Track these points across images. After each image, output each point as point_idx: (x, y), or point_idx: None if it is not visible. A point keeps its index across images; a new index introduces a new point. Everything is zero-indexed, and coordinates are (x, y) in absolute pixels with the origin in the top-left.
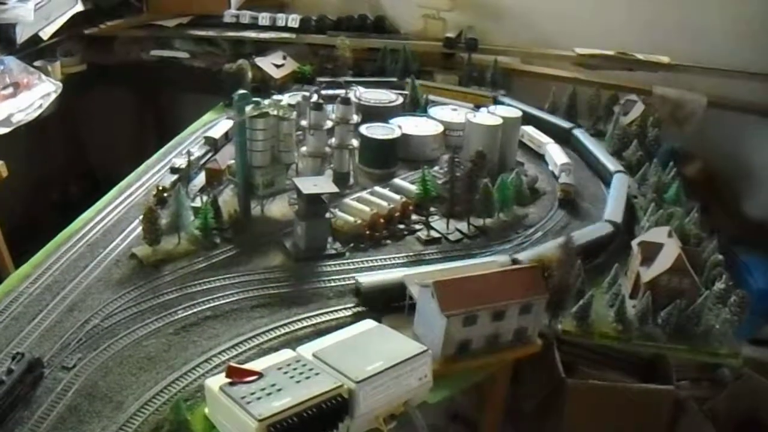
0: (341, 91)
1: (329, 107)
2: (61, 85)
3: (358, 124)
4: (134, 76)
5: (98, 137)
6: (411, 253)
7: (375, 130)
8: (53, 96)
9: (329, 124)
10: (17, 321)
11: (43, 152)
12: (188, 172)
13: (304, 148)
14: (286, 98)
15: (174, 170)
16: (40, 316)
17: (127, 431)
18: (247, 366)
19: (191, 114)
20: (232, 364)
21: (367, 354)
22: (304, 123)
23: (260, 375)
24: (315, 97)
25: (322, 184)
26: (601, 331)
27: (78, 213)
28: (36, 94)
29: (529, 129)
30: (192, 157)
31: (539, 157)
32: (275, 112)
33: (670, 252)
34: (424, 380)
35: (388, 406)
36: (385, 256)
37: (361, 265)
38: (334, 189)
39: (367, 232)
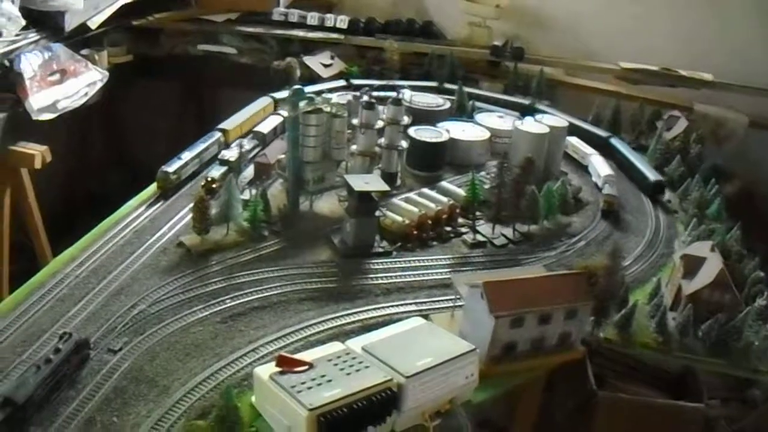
0: (390, 94)
1: (379, 108)
2: (107, 73)
3: (407, 126)
4: (179, 69)
5: (138, 129)
6: (457, 256)
7: (423, 133)
8: (99, 85)
9: (380, 123)
10: (63, 302)
11: (84, 141)
12: (239, 165)
13: (353, 147)
14: (335, 97)
15: (223, 162)
16: (86, 298)
17: (173, 416)
18: (298, 356)
19: (231, 110)
20: (283, 353)
21: (416, 350)
22: (355, 122)
23: (310, 365)
24: (366, 97)
25: (373, 182)
26: (641, 340)
27: (114, 204)
28: (82, 82)
29: (574, 140)
30: (243, 149)
31: (582, 168)
32: (328, 109)
33: (713, 266)
34: (470, 379)
35: (434, 403)
36: (431, 257)
37: (408, 265)
38: (385, 187)
39: (415, 233)
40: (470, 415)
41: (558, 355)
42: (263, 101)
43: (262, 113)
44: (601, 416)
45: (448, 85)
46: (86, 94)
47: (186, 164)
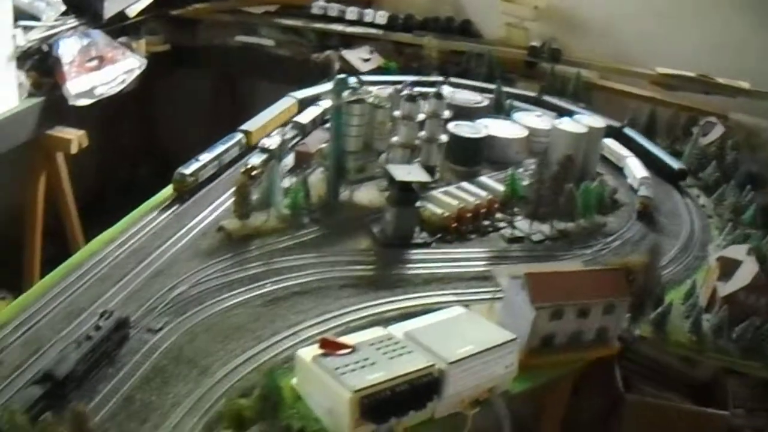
0: (429, 90)
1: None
2: (145, 61)
3: (447, 120)
4: (215, 60)
5: (172, 119)
6: (495, 249)
7: (462, 128)
8: (137, 72)
9: (421, 116)
10: (102, 282)
11: (116, 129)
12: (280, 152)
13: (394, 138)
14: (375, 90)
15: (264, 150)
16: (125, 278)
17: (213, 396)
18: (340, 339)
19: (266, 102)
20: (326, 336)
21: (457, 337)
22: (396, 113)
23: (353, 349)
24: (408, 90)
25: (414, 173)
26: (676, 339)
27: (145, 194)
28: (120, 69)
29: (610, 142)
30: (285, 137)
31: (618, 170)
32: (371, 100)
33: (749, 269)
34: (510, 368)
35: (474, 391)
36: (469, 250)
37: (447, 256)
38: (427, 178)
39: (454, 225)
40: (482, 423)
41: (594, 349)
42: (287, 101)
43: (286, 113)
44: (628, 419)
45: (485, 84)
46: (123, 81)
47: (204, 166)
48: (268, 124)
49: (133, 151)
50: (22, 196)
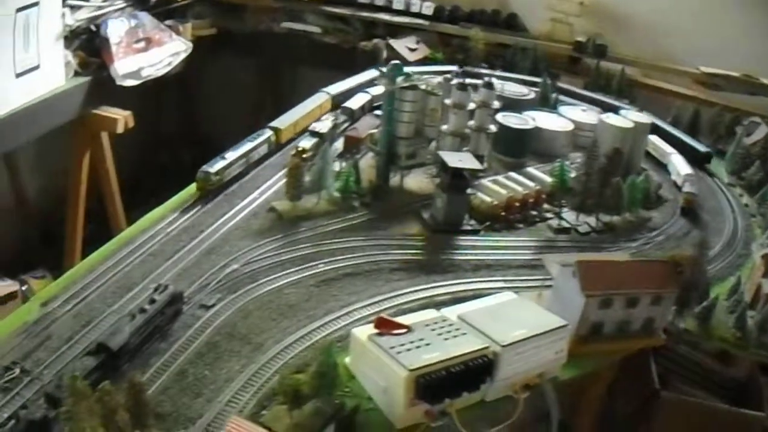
0: (477, 81)
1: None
2: (191, 45)
3: (497, 110)
4: (260, 46)
5: (214, 105)
6: (542, 239)
7: (510, 119)
8: (183, 55)
9: (472, 105)
10: (154, 258)
11: (159, 113)
12: (332, 135)
13: (444, 126)
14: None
15: (314, 134)
16: (177, 255)
17: (266, 372)
18: (396, 320)
19: (309, 90)
20: (383, 315)
21: (510, 321)
22: (447, 102)
23: (408, 329)
24: (458, 79)
25: (466, 160)
26: (720, 335)
27: (184, 180)
28: (166, 52)
29: (654, 138)
30: (338, 121)
31: (661, 166)
32: (424, 86)
33: None
34: (560, 354)
35: (525, 375)
36: (517, 239)
37: (495, 244)
38: (479, 166)
39: (502, 214)
40: (530, 409)
41: (640, 340)
42: (319, 97)
43: (318, 111)
44: (662, 416)
45: (530, 78)
46: (170, 63)
47: (230, 165)
48: (300, 121)
49: (173, 135)
50: (66, 175)
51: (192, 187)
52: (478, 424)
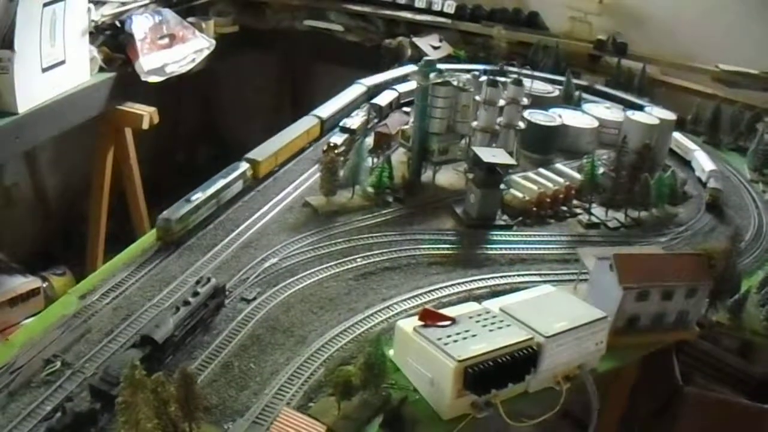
0: (502, 79)
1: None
2: (214, 42)
3: (525, 107)
4: (282, 43)
5: (233, 103)
6: (573, 234)
7: (537, 116)
8: (206, 52)
9: (502, 102)
10: (191, 251)
11: (178, 110)
12: (363, 130)
13: (474, 123)
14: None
15: (344, 129)
16: (214, 249)
17: (312, 364)
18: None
19: (328, 88)
20: (428, 307)
21: (552, 313)
22: (478, 98)
23: (453, 320)
24: (485, 76)
25: (499, 156)
26: (751, 327)
27: (202, 178)
28: (190, 48)
29: (678, 135)
30: (370, 116)
31: (685, 163)
32: (456, 83)
33: None
34: (599, 346)
35: (566, 367)
36: (548, 233)
37: (528, 238)
38: (512, 161)
39: (534, 209)
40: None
41: (675, 332)
42: (308, 121)
43: (305, 137)
44: (686, 412)
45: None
46: (193, 60)
47: (197, 209)
48: (282, 151)
49: (191, 133)
50: (84, 172)
51: (151, 235)
52: (521, 415)
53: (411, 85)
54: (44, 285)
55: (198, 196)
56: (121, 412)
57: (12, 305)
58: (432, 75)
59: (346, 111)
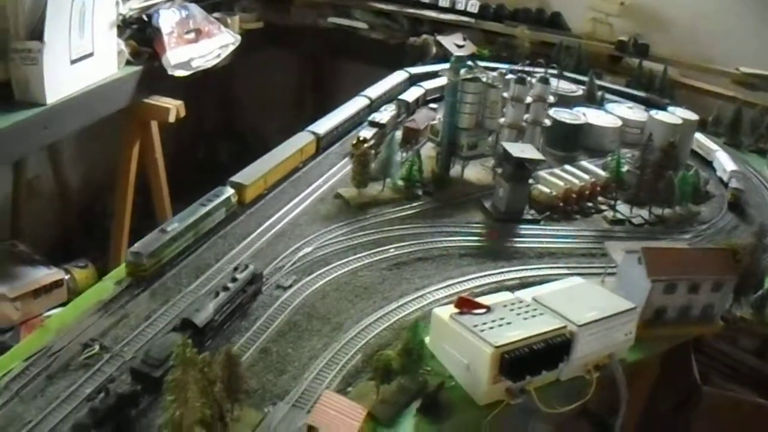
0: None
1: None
2: (239, 38)
3: (551, 105)
4: (305, 40)
5: (254, 100)
6: (598, 229)
7: (562, 114)
8: (231, 48)
9: (529, 99)
10: (225, 240)
11: (200, 106)
12: (393, 124)
13: (502, 119)
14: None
15: (373, 124)
16: (249, 238)
17: (349, 351)
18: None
19: (350, 86)
20: (463, 295)
21: (583, 303)
22: (505, 95)
23: (488, 308)
24: (511, 75)
25: (528, 151)
26: None
27: (222, 177)
28: (215, 44)
29: (699, 136)
30: (398, 111)
31: (707, 164)
32: (485, 79)
33: None
34: (629, 336)
35: (596, 356)
36: (575, 228)
37: (555, 233)
38: (540, 156)
39: (560, 204)
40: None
41: (700, 325)
42: (302, 138)
43: (298, 156)
44: (704, 411)
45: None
46: (219, 55)
47: (173, 240)
48: (271, 173)
49: (214, 129)
50: (107, 166)
51: (120, 272)
52: (553, 402)
53: (437, 82)
54: (66, 277)
55: (174, 227)
56: (170, 391)
57: (35, 296)
58: (462, 71)
59: (347, 126)
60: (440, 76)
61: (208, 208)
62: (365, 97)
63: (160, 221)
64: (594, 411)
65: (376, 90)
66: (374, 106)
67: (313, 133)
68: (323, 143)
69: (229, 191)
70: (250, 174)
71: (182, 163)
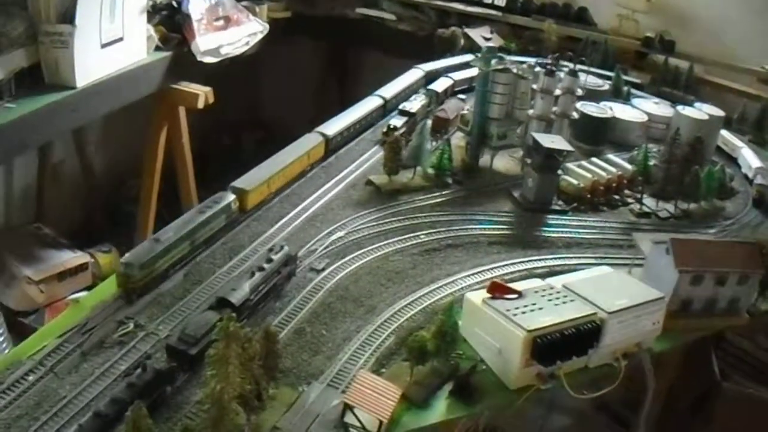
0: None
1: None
2: (267, 26)
3: (579, 98)
4: (332, 30)
5: (279, 89)
6: (625, 221)
7: (589, 108)
8: (260, 36)
9: (558, 91)
10: (259, 222)
11: (224, 94)
12: (423, 113)
13: (530, 111)
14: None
15: (403, 112)
16: (282, 221)
17: (382, 333)
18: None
19: (376, 77)
20: (496, 280)
21: (612, 291)
22: (534, 86)
23: (520, 294)
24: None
25: (558, 142)
26: None
27: (246, 164)
28: (244, 31)
29: (725, 133)
30: (426, 101)
31: (731, 160)
32: (516, 70)
33: None
34: (656, 326)
35: (625, 344)
36: (602, 219)
37: (582, 223)
38: (570, 148)
39: (588, 196)
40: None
41: (726, 318)
42: (310, 140)
43: (305, 160)
44: (723, 408)
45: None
46: (247, 43)
47: (167, 251)
48: (275, 177)
49: (239, 117)
50: (136, 151)
51: (110, 283)
52: (581, 388)
53: (465, 73)
54: (90, 261)
55: (167, 237)
56: (211, 365)
57: (60, 279)
58: (493, 62)
59: (358, 128)
60: (471, 66)
61: (206, 215)
62: (379, 97)
63: (186, 207)
64: (613, 405)
65: (391, 89)
66: (389, 106)
67: (322, 134)
68: (333, 145)
69: (230, 197)
70: (253, 178)
71: (209, 149)
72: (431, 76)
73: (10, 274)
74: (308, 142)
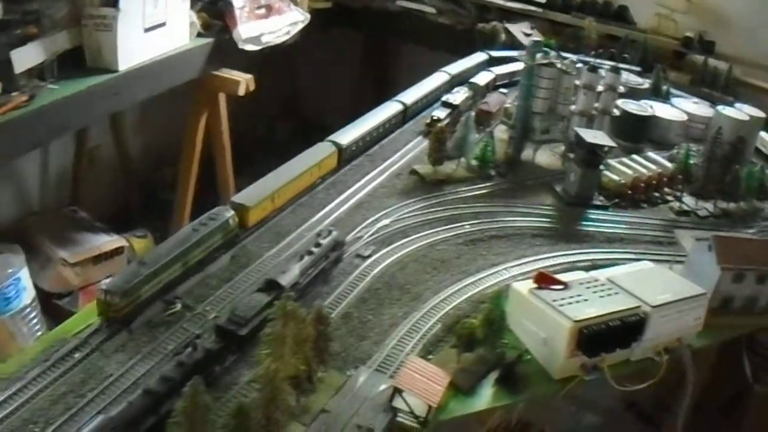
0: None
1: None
2: (308, 16)
3: (621, 95)
4: (372, 22)
5: (317, 79)
6: (665, 219)
7: (630, 105)
8: (300, 26)
9: (600, 88)
10: (304, 208)
11: (261, 83)
12: (467, 105)
13: (573, 106)
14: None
15: (446, 104)
16: (327, 207)
17: (428, 320)
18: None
19: (413, 71)
20: (542, 271)
21: (655, 286)
22: (577, 82)
23: (566, 285)
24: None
25: (600, 138)
26: None
27: (281, 156)
28: (285, 21)
29: (765, 134)
30: (470, 94)
31: None
32: (560, 65)
33: None
34: (697, 321)
35: (667, 338)
36: (642, 216)
37: (623, 219)
38: (612, 143)
39: (628, 192)
40: (618, 396)
41: (765, 317)
42: (322, 150)
43: (315, 171)
44: (754, 410)
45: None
46: (288, 32)
47: (155, 275)
48: (281, 191)
49: (274, 106)
50: (174, 138)
51: (90, 313)
52: (623, 381)
53: (508, 67)
54: (126, 246)
55: (156, 259)
56: (267, 344)
57: (95, 263)
58: (538, 56)
59: (375, 136)
60: (517, 60)
61: (200, 235)
62: (399, 102)
63: (223, 194)
64: (643, 404)
65: (412, 95)
66: (409, 112)
67: (335, 143)
68: (346, 155)
69: (229, 213)
70: (255, 193)
71: (244, 138)
72: (454, 82)
73: (45, 256)
74: (319, 153)
